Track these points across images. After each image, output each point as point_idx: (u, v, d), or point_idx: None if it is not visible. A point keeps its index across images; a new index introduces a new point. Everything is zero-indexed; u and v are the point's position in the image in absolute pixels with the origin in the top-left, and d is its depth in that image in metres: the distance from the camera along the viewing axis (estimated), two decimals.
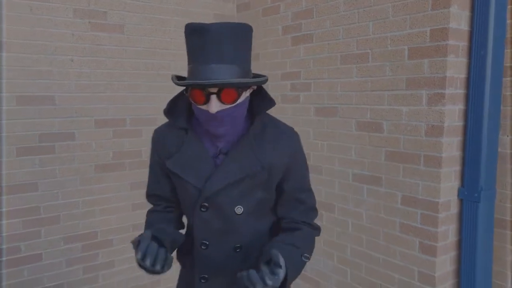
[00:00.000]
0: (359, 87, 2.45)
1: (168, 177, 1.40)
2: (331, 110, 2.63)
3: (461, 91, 2.10)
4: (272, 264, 1.14)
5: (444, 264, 2.18)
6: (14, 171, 2.55)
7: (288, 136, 1.35)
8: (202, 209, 1.32)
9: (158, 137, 1.40)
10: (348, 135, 2.54)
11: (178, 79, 1.28)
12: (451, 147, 2.11)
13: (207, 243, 1.35)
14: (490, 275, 2.17)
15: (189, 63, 1.23)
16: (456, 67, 2.06)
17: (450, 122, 2.08)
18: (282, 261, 1.14)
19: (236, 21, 3.18)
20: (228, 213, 1.31)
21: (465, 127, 2.12)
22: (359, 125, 2.47)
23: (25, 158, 2.57)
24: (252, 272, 1.11)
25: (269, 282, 1.10)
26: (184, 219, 1.50)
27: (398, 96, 2.24)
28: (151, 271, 1.17)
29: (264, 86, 2.72)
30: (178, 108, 1.34)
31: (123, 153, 2.92)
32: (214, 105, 1.19)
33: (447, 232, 2.16)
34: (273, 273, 1.12)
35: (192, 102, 1.24)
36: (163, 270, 1.16)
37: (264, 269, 1.12)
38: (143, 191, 3.18)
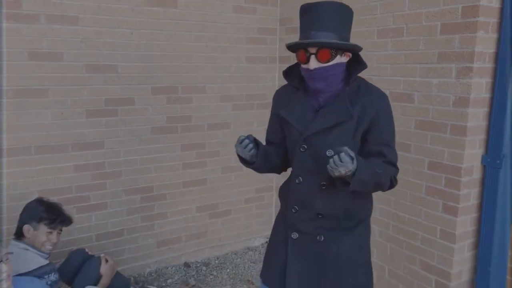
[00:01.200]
0: (393, 60, 2.62)
1: (281, 127, 1.74)
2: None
3: (489, 65, 2.25)
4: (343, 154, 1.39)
5: (465, 223, 2.39)
6: (83, 130, 2.93)
7: (376, 96, 1.60)
8: (301, 149, 1.63)
9: (277, 94, 1.79)
10: None
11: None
12: (477, 117, 2.28)
13: (301, 179, 1.64)
14: (507, 233, 2.35)
15: (300, 31, 1.57)
16: (485, 42, 2.20)
17: (476, 94, 2.24)
18: (353, 153, 1.39)
19: None
20: (321, 154, 1.57)
21: (492, 99, 2.28)
22: (392, 96, 2.65)
23: (93, 120, 2.95)
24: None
25: (336, 164, 1.38)
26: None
27: (429, 69, 2.41)
28: (242, 155, 1.62)
29: None
30: (293, 72, 1.69)
31: (176, 118, 3.25)
32: (312, 63, 1.52)
33: (469, 195, 2.36)
34: (341, 159, 1.38)
35: (298, 62, 1.57)
36: (251, 156, 1.62)
37: (335, 157, 1.40)
38: (193, 152, 3.57)
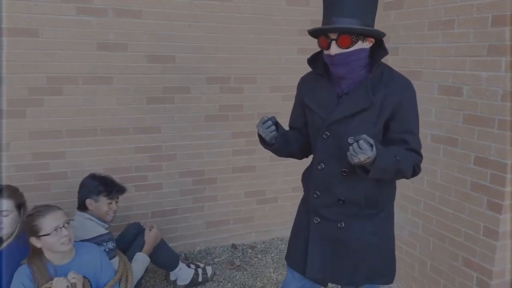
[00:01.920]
0: (443, 53, 2.59)
1: (303, 114, 1.80)
2: (416, 74, 2.80)
3: None
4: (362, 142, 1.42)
5: (509, 221, 2.32)
6: (143, 115, 3.19)
7: (399, 83, 1.60)
8: (324, 136, 1.67)
9: (302, 81, 1.84)
10: (430, 98, 2.70)
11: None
12: None
13: (323, 165, 1.69)
14: None
15: (323, 17, 1.60)
16: None
17: None
18: (371, 141, 1.42)
19: None
20: (343, 141, 1.61)
21: None
22: (441, 89, 2.62)
23: (152, 106, 3.19)
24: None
25: (355, 151, 1.41)
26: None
27: (479, 62, 2.36)
28: (263, 135, 1.69)
29: None
30: (317, 59, 1.73)
31: (227, 107, 3.41)
32: (333, 49, 1.54)
33: None
34: (359, 146, 1.41)
35: (320, 48, 1.60)
36: (271, 138, 1.70)
37: (355, 144, 1.43)
38: (243, 139, 3.73)
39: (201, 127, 3.37)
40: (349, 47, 1.53)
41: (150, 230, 2.74)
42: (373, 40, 1.61)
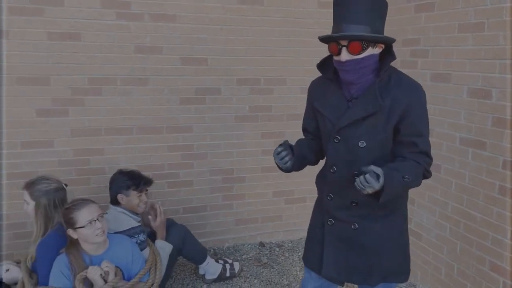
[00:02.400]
0: (473, 55, 2.57)
1: (315, 116, 1.85)
2: (445, 76, 2.78)
3: None
4: (369, 173, 1.48)
5: None
6: (176, 115, 3.33)
7: (407, 87, 1.61)
8: (335, 140, 1.71)
9: (312, 86, 1.88)
10: (459, 101, 2.69)
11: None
12: None
13: (335, 168, 1.73)
14: None
15: (333, 24, 1.63)
16: None
17: None
18: (379, 170, 1.47)
19: None
20: (354, 145, 1.66)
21: None
22: (470, 92, 2.60)
23: (185, 106, 3.33)
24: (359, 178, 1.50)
25: (363, 184, 1.48)
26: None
27: (508, 65, 2.33)
28: (280, 165, 1.79)
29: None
30: (327, 64, 1.77)
31: (257, 108, 3.50)
32: (343, 55, 1.57)
33: None
34: (366, 180, 1.47)
35: (330, 53, 1.64)
36: (287, 167, 1.78)
37: (361, 177, 1.49)
38: (272, 140, 3.81)
39: (231, 127, 3.47)
40: (359, 54, 1.56)
41: (154, 220, 2.83)
42: (383, 46, 1.63)
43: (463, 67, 2.65)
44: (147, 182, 2.76)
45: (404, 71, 3.12)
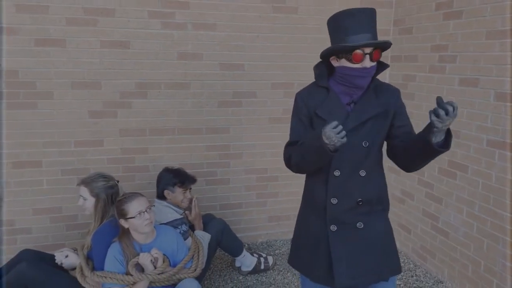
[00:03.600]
0: (499, 61, 2.69)
1: (309, 126, 1.82)
2: (473, 81, 2.91)
3: None
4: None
5: None
6: (215, 117, 3.56)
7: (394, 91, 1.82)
8: None
9: (304, 95, 1.84)
10: (486, 104, 2.81)
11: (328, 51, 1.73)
12: None
13: (339, 172, 1.78)
14: None
15: (341, 36, 1.70)
16: None
17: None
18: (454, 103, 1.47)
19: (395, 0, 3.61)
20: (358, 145, 1.76)
21: None
22: (497, 96, 2.72)
23: (223, 109, 3.56)
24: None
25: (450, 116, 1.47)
26: None
27: None
28: (337, 144, 1.59)
29: (413, 57, 3.21)
30: (320, 72, 1.83)
31: (290, 110, 3.69)
32: (367, 62, 1.68)
33: None
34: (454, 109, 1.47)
35: (347, 63, 1.69)
36: (343, 138, 1.59)
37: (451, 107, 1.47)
38: None
39: (266, 129, 3.67)
40: (378, 60, 1.72)
41: (191, 214, 3.06)
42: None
43: (490, 72, 2.77)
44: (192, 180, 2.99)
45: (433, 76, 3.28)
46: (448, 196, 3.17)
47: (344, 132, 1.58)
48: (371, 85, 1.80)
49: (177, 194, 2.93)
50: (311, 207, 1.90)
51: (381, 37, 3.76)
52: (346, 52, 1.69)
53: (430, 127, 1.56)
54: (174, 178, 2.93)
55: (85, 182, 2.66)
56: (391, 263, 1.88)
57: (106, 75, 3.29)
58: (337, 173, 1.78)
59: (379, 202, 1.86)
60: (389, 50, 3.82)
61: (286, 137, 3.73)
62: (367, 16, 1.69)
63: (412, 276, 3.35)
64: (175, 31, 3.35)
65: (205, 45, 3.43)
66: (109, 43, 3.25)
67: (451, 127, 3.07)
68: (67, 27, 3.16)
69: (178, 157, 3.52)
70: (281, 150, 3.74)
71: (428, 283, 3.23)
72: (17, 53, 3.10)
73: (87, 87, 3.27)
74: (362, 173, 1.79)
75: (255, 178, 3.74)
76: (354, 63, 1.69)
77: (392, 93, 1.83)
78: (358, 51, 1.67)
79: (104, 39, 3.23)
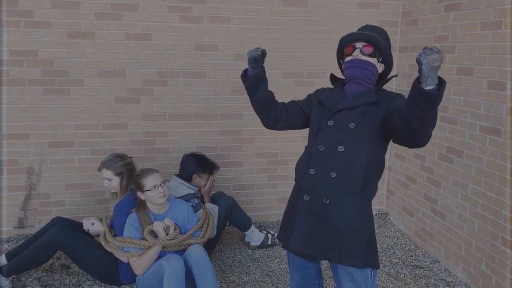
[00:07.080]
0: (491, 51, 2.83)
1: (305, 108, 2.11)
2: (469, 70, 3.05)
3: None
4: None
5: None
6: (228, 104, 3.84)
7: (392, 94, 1.95)
8: (329, 123, 1.94)
9: (321, 89, 2.16)
10: (479, 92, 2.95)
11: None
12: None
13: (323, 147, 1.92)
14: None
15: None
16: None
17: None
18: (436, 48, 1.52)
19: None
20: (344, 126, 1.91)
21: None
22: (489, 84, 2.86)
23: (236, 97, 3.84)
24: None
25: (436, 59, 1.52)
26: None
27: None
28: (249, 56, 1.88)
29: (418, 47, 3.35)
30: (333, 79, 2.17)
31: (300, 99, 3.91)
32: (356, 53, 1.95)
33: None
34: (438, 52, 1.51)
35: (345, 55, 2.00)
36: (258, 52, 1.86)
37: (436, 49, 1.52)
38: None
39: None
40: (369, 56, 1.94)
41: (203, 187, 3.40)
42: (383, 66, 2.01)
43: (483, 61, 2.91)
44: (216, 167, 3.46)
45: None
46: (446, 180, 3.33)
47: (259, 48, 1.86)
48: (375, 89, 1.98)
49: (203, 179, 3.34)
50: (296, 180, 2.04)
51: (390, 29, 3.94)
52: (343, 48, 2.01)
53: (419, 73, 1.59)
54: (204, 166, 3.35)
55: (106, 165, 3.00)
56: (347, 251, 1.87)
57: (130, 65, 3.63)
58: (321, 148, 1.92)
59: (356, 184, 1.87)
60: (397, 41, 3.98)
61: None
62: (373, 27, 2.00)
63: (411, 256, 3.53)
64: (192, 24, 3.65)
65: (220, 37, 3.71)
66: (133, 35, 3.58)
67: (451, 111, 3.23)
68: (96, 21, 3.52)
69: (195, 140, 3.84)
70: (290, 135, 3.97)
71: (426, 263, 3.41)
72: (52, 44, 3.49)
73: (114, 76, 3.63)
74: (341, 148, 1.88)
75: (266, 162, 4.01)
76: (347, 57, 1.98)
77: (390, 93, 1.95)
78: (349, 45, 1.97)
79: (129, 32, 3.57)
